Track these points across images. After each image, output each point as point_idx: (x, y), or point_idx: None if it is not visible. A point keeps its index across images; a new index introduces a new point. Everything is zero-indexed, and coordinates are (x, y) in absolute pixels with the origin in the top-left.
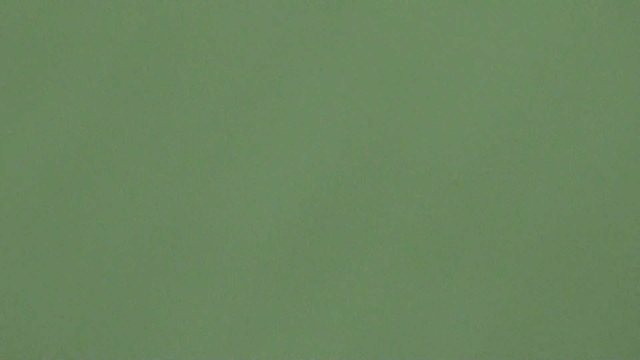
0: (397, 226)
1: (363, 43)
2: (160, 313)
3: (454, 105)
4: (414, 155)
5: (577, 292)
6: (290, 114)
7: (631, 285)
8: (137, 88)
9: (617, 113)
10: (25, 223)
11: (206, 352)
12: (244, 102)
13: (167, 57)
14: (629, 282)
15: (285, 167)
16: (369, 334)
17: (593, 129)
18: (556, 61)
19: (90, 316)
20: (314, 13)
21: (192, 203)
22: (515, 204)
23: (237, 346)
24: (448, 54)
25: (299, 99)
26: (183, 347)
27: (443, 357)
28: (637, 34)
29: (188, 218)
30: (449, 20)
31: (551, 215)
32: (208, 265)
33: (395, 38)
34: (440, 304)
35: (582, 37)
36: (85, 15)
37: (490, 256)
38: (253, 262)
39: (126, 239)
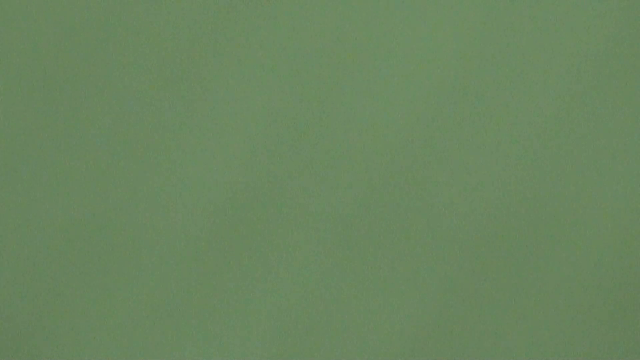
0: (322, 219)
1: (286, 37)
2: (82, 309)
3: (378, 99)
4: (339, 147)
5: (504, 286)
6: (212, 107)
7: (556, 282)
8: (57, 86)
9: (538, 110)
10: None
11: (129, 348)
12: (166, 96)
13: (88, 54)
14: (553, 278)
15: (208, 160)
16: (292, 329)
17: (514, 126)
18: (477, 57)
19: (11, 313)
20: (235, 6)
21: (113, 200)
22: (441, 198)
23: (159, 342)
24: (370, 49)
25: (221, 92)
26: (105, 343)
27: (369, 349)
28: (559, 33)
29: (109, 214)
30: (371, 14)
31: (478, 211)
32: (131, 261)
33: (318, 30)
34: (367, 297)
35: (505, 34)
36: (4, 13)
37: (415, 250)
38: (176, 257)
39: (47, 236)
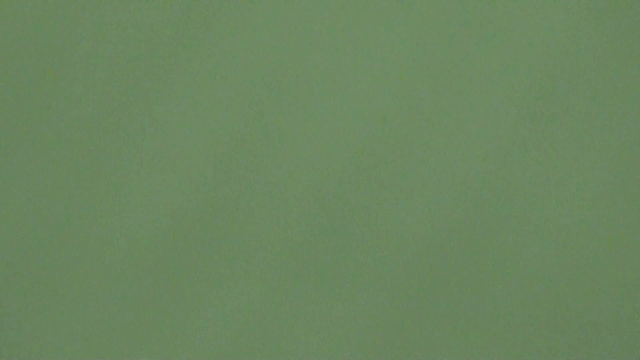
0: (271, 237)
1: (237, 50)
2: (35, 317)
3: (338, 107)
4: (287, 165)
5: (453, 301)
6: (161, 124)
7: (501, 297)
8: (20, 89)
9: (488, 127)
10: None
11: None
12: (115, 111)
13: (52, 59)
14: (500, 294)
15: (163, 170)
16: (248, 339)
17: (463, 144)
18: (432, 72)
19: None
20: (187, 23)
21: (68, 210)
22: (394, 203)
23: (112, 352)
24: (333, 56)
25: (170, 107)
26: (57, 352)
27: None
28: (518, 43)
29: (58, 229)
30: (327, 25)
31: (433, 214)
32: (86, 270)
33: (270, 43)
34: (320, 306)
35: (462, 48)
36: None
37: (363, 268)
38: (131, 264)
39: (5, 241)
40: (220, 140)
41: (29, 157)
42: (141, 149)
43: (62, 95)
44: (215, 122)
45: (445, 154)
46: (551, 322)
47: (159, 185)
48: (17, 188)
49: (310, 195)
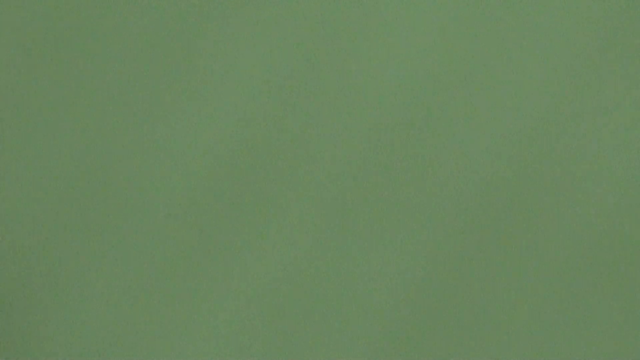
0: (318, 180)
1: (273, 30)
2: (74, 268)
3: (379, 53)
4: (338, 104)
5: (504, 245)
6: (213, 58)
7: (554, 242)
8: (59, 37)
9: (525, 100)
10: None
11: (118, 315)
12: (167, 46)
13: (90, 7)
14: (551, 239)
15: (208, 113)
16: (289, 291)
17: (516, 88)
18: (461, 58)
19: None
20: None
21: (111, 152)
22: (442, 155)
23: (150, 307)
24: (371, 4)
25: (223, 40)
26: (92, 308)
27: (365, 313)
28: (545, 35)
29: (105, 173)
30: (349, 15)
31: (477, 171)
32: (123, 221)
33: (302, 26)
34: (363, 261)
35: (488, 32)
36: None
37: (416, 207)
38: (168, 218)
39: (44, 186)
40: (274, 73)
41: (80, 93)
42: (193, 85)
43: (117, 29)
44: (270, 53)
45: (502, 95)
46: (608, 269)
47: (212, 119)
48: (59, 133)
49: (364, 137)
